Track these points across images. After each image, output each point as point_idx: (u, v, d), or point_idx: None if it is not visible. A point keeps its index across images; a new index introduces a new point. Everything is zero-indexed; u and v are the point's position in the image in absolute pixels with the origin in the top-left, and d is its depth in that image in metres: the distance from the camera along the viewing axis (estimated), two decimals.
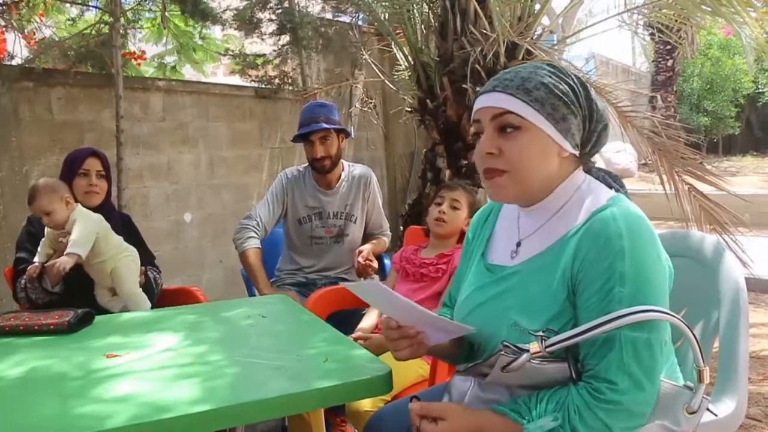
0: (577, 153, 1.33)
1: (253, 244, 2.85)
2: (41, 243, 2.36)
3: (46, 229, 2.35)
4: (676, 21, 4.32)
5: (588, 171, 1.40)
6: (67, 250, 2.22)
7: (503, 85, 1.29)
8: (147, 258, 2.60)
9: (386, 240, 3.17)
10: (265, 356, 1.58)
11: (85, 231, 2.28)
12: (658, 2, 4.24)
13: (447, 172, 4.22)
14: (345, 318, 2.43)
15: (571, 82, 1.31)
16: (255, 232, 2.89)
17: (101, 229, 2.37)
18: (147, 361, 1.60)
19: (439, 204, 2.45)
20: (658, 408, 1.19)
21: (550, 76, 1.30)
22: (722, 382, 1.43)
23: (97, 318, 2.03)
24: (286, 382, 1.40)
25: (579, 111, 1.30)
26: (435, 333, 1.37)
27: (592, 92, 1.33)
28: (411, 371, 2.15)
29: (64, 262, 2.19)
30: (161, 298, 2.63)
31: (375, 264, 2.92)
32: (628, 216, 1.21)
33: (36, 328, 1.89)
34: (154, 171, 4.51)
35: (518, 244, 1.39)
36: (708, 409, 1.19)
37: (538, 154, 1.29)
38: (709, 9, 3.76)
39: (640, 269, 1.17)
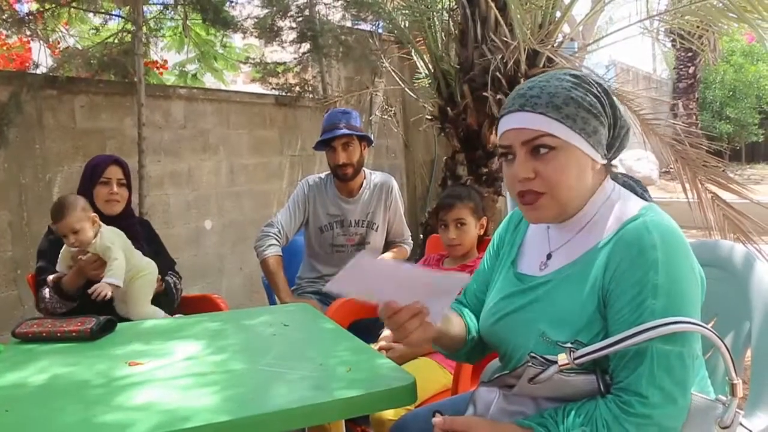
0: (605, 162, 1.31)
1: (274, 252, 2.84)
2: (62, 253, 2.35)
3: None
4: (697, 27, 4.27)
5: (614, 178, 1.38)
6: (107, 280, 2.23)
7: (531, 104, 1.24)
8: (167, 264, 2.61)
9: (407, 248, 3.16)
10: (287, 365, 1.57)
11: (121, 263, 2.29)
12: (680, 9, 4.20)
13: (467, 180, 4.20)
14: (367, 326, 2.41)
15: (596, 92, 1.28)
16: (276, 239, 2.88)
17: (126, 247, 2.38)
18: (169, 369, 1.60)
19: (446, 227, 2.42)
20: (689, 422, 1.17)
21: (576, 88, 1.26)
22: (756, 395, 1.39)
23: (119, 325, 2.03)
24: (308, 392, 1.39)
25: (606, 120, 1.28)
26: (434, 304, 1.28)
27: (614, 97, 1.31)
28: (434, 381, 2.14)
29: (105, 289, 2.20)
30: (182, 305, 2.64)
31: None
32: (661, 226, 1.19)
33: (58, 335, 1.90)
34: (174, 178, 4.53)
35: (548, 257, 1.37)
36: (741, 424, 1.16)
37: (575, 171, 1.25)
38: (734, 15, 3.70)
39: (673, 281, 1.15)
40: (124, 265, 2.30)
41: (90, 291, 2.20)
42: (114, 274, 2.25)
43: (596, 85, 1.29)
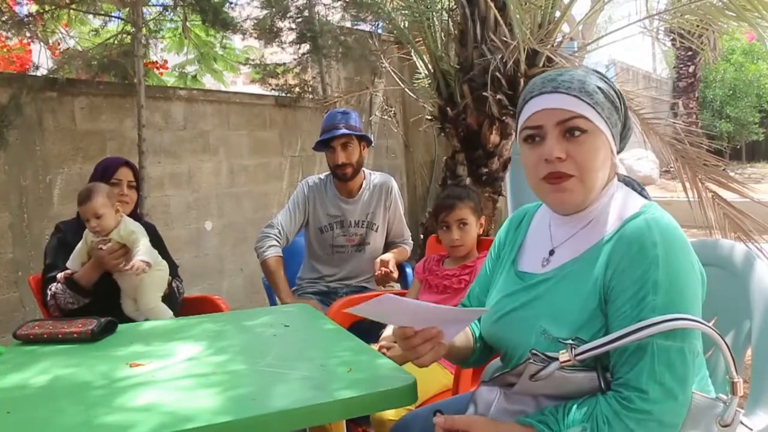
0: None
1: (274, 253, 2.85)
2: (76, 249, 2.36)
3: (85, 234, 2.35)
4: (697, 26, 4.27)
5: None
6: (139, 257, 2.25)
7: (565, 87, 1.27)
8: (170, 267, 2.61)
9: (407, 248, 3.15)
10: (288, 366, 1.57)
11: (148, 245, 2.34)
12: (680, 8, 4.20)
13: (467, 180, 4.20)
14: (367, 327, 2.41)
15: (616, 88, 1.31)
16: (276, 240, 2.88)
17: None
18: (170, 370, 1.59)
19: (448, 228, 2.40)
20: (689, 420, 1.17)
21: (601, 81, 1.30)
22: (756, 394, 1.38)
23: (120, 326, 2.03)
24: (309, 393, 1.39)
25: (621, 116, 1.32)
26: (450, 328, 1.33)
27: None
28: (435, 381, 2.14)
29: (142, 264, 2.23)
30: (182, 306, 2.63)
31: (395, 273, 2.90)
32: (661, 224, 1.20)
33: (60, 336, 1.89)
34: (175, 179, 4.53)
35: (551, 252, 1.37)
36: (741, 423, 1.16)
37: (601, 158, 1.28)
38: (733, 14, 3.70)
39: (673, 278, 1.15)
40: (150, 247, 2.34)
41: (128, 267, 2.23)
42: (144, 253, 2.28)
43: (613, 85, 1.33)
